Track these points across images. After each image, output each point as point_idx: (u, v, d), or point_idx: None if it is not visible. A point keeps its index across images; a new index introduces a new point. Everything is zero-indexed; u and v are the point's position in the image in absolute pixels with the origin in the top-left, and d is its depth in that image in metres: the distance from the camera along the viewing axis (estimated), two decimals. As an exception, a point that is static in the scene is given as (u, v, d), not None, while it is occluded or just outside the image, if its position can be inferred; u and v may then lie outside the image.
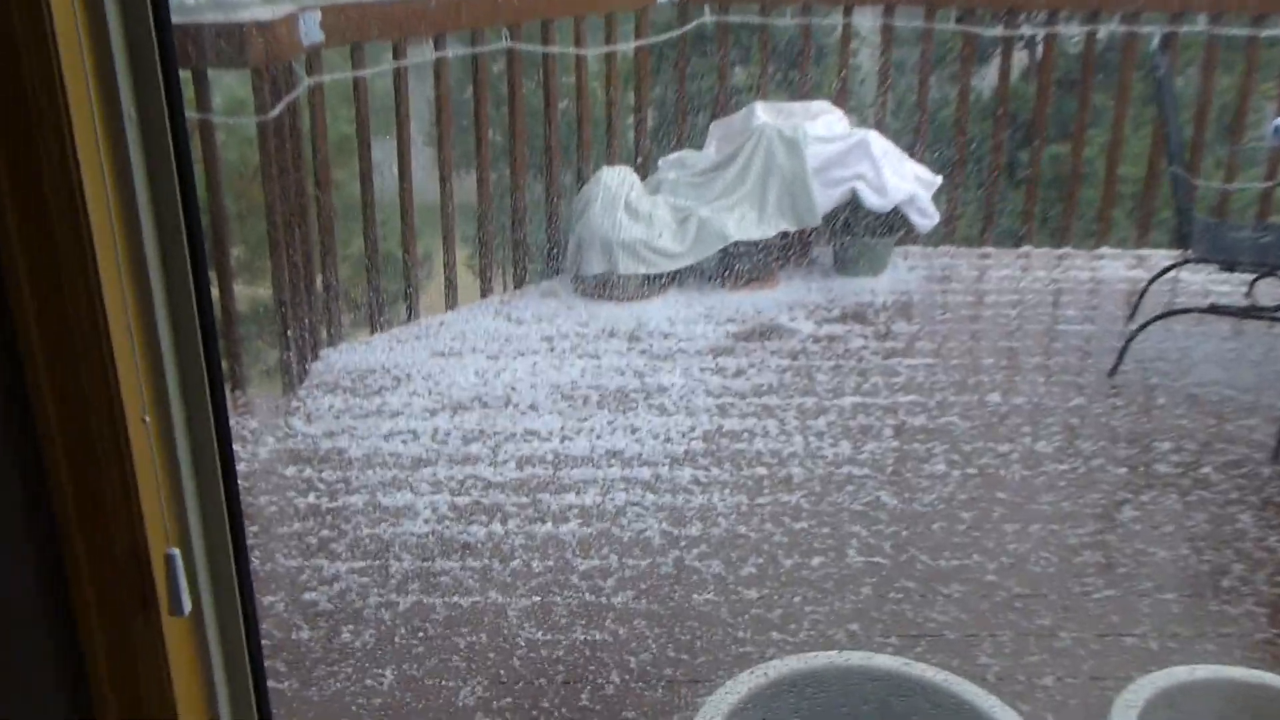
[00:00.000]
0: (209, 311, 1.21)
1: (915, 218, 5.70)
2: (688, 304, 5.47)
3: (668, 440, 4.16)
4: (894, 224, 5.72)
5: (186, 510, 1.22)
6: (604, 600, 3.23)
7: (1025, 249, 6.22)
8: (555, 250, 5.82)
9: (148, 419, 1.14)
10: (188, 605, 1.20)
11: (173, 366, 1.18)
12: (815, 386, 4.60)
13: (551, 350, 5.00)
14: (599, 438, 4.19)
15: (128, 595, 1.17)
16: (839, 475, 3.91)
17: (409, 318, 5.36)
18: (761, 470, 3.94)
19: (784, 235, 5.71)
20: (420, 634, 3.10)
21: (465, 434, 4.23)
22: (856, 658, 1.90)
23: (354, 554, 3.47)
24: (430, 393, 4.59)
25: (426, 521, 3.64)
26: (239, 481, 1.49)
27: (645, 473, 3.93)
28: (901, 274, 5.87)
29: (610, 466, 3.98)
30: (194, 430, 1.22)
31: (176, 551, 1.19)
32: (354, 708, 2.83)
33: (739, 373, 4.74)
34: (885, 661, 1.94)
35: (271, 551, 3.48)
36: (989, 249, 6.25)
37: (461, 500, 3.77)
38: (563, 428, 4.27)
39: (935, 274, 5.92)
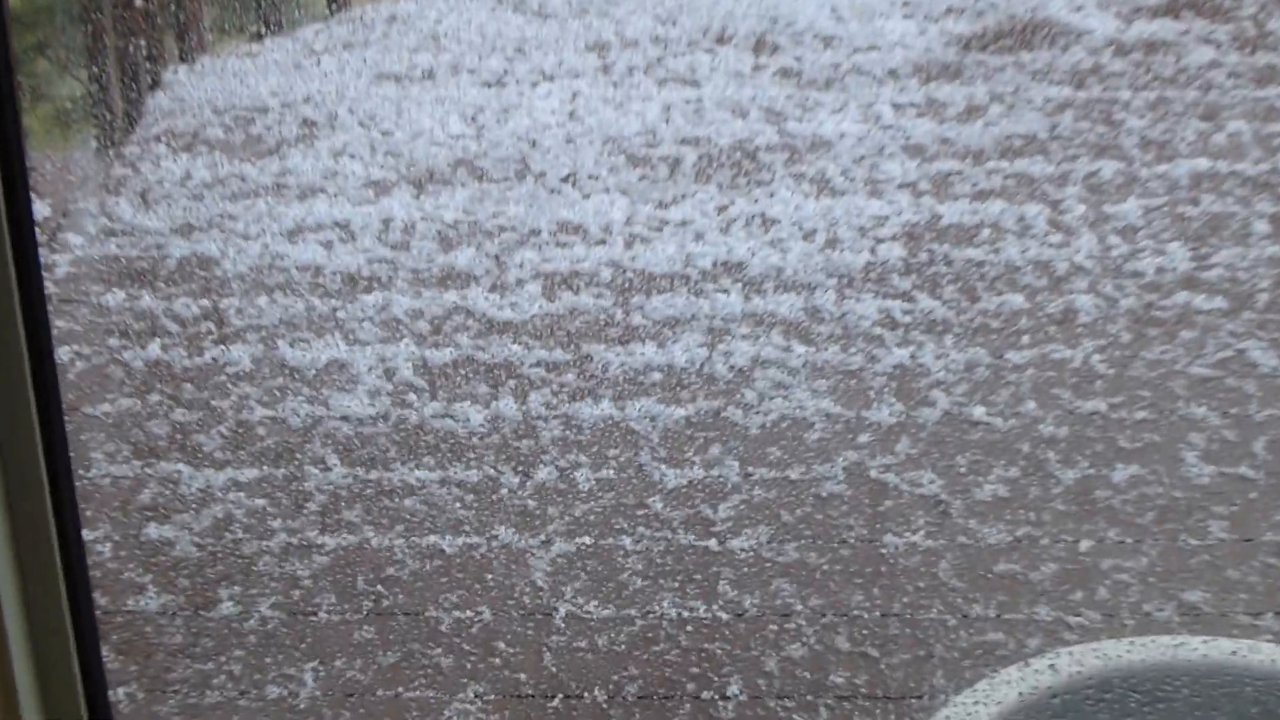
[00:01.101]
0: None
1: None
2: (869, -21, 5.44)
3: (833, 243, 4.16)
4: None
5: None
6: (713, 545, 3.27)
7: None
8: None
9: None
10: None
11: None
12: (1120, 140, 4.57)
13: (605, 69, 4.98)
14: (699, 238, 4.19)
15: None
16: (1165, 309, 3.90)
17: (331, 8, 5.37)
18: (1016, 299, 3.94)
19: None
20: (367, 605, 3.15)
21: (443, 231, 4.25)
22: (1225, 646, 1.91)
23: (237, 455, 3.53)
24: (375, 150, 4.60)
25: (373, 395, 3.68)
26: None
27: (790, 304, 3.94)
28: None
29: (722, 292, 3.99)
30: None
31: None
32: (246, 736, 2.92)
33: (971, 112, 4.72)
34: (1276, 653, 1.95)
35: (85, 447, 3.55)
36: None
37: (439, 355, 3.80)
38: (630, 219, 4.27)
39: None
